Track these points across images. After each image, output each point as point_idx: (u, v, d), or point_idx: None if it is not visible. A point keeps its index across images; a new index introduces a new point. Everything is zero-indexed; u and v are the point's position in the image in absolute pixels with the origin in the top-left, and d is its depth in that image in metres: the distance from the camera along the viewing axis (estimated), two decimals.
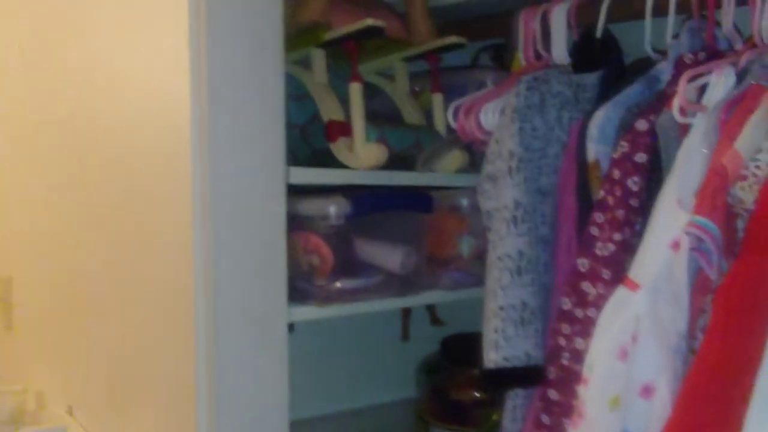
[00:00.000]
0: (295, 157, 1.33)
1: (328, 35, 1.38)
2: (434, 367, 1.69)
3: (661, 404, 1.02)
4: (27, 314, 1.89)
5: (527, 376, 1.19)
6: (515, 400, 1.24)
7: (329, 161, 1.37)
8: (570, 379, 1.12)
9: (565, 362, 1.15)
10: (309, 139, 1.42)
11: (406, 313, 1.75)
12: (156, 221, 1.34)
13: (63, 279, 1.72)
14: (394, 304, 1.44)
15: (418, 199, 1.43)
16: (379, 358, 1.76)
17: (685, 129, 1.08)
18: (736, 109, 1.04)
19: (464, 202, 1.46)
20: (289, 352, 1.32)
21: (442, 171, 1.45)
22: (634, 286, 1.05)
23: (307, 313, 1.34)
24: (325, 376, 1.69)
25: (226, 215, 1.24)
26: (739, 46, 1.18)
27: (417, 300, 1.46)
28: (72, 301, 1.69)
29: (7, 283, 1.87)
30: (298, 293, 1.32)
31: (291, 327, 1.33)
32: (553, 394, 1.16)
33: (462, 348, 1.65)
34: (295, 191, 1.28)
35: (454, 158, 1.44)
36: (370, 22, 1.33)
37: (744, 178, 0.98)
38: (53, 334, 1.78)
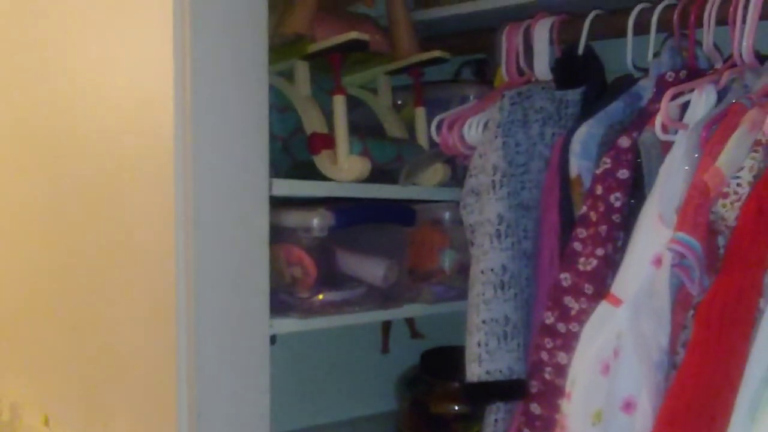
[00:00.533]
0: (277, 169, 1.33)
1: (313, 47, 1.38)
2: (414, 381, 1.69)
3: (643, 419, 1.03)
4: (3, 325, 1.87)
5: (510, 389, 1.19)
6: (497, 414, 1.24)
7: (312, 173, 1.37)
8: (552, 394, 1.13)
9: (547, 376, 1.15)
10: (292, 151, 1.42)
11: (387, 326, 1.75)
12: (138, 230, 1.34)
13: (38, 287, 1.70)
14: (376, 316, 1.45)
15: (401, 213, 1.43)
16: (359, 371, 1.76)
17: (667, 146, 1.10)
18: (718, 127, 1.05)
19: (446, 215, 1.46)
20: (270, 364, 1.32)
21: (425, 184, 1.45)
22: (616, 302, 1.06)
23: (289, 325, 1.34)
24: (306, 388, 1.68)
25: (209, 226, 1.23)
26: (719, 65, 1.20)
27: (399, 313, 1.47)
28: (47, 309, 1.67)
29: None
30: (280, 305, 1.32)
31: (273, 339, 1.32)
32: (535, 408, 1.17)
33: (442, 361, 1.65)
34: (278, 203, 1.28)
35: (437, 172, 1.45)
36: (354, 35, 1.33)
37: (726, 195, 0.99)
38: (27, 344, 1.76)
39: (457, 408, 1.59)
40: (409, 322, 1.75)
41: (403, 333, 1.76)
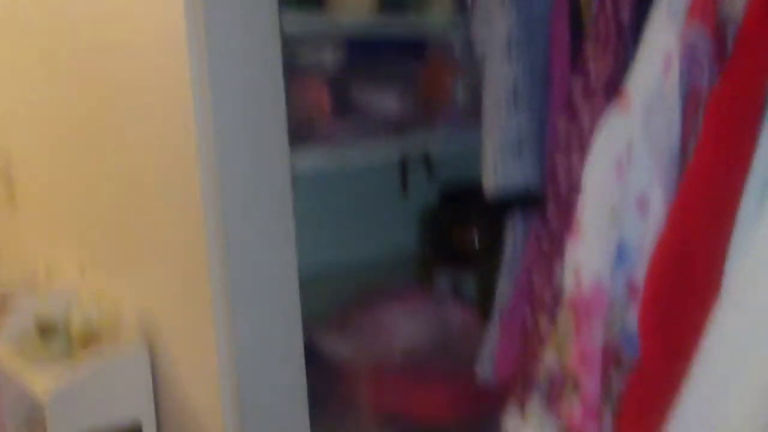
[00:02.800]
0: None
1: None
2: (434, 218, 1.73)
3: (656, 216, 1.05)
4: (29, 188, 1.91)
5: (526, 199, 1.22)
6: (515, 228, 1.28)
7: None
8: (568, 200, 1.15)
9: (562, 183, 1.18)
10: None
11: (404, 168, 1.78)
12: (153, 80, 1.36)
13: (65, 150, 1.73)
14: (393, 149, 1.47)
15: (412, 45, 1.44)
16: (380, 213, 1.80)
17: None
18: None
19: (457, 48, 1.47)
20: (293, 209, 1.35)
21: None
22: (627, 103, 1.07)
23: (309, 159, 1.36)
24: (329, 231, 1.73)
25: (223, 65, 1.25)
26: None
27: (415, 144, 1.49)
28: (76, 170, 1.71)
29: (6, 154, 1.89)
30: (299, 140, 1.34)
31: (294, 179, 1.35)
32: (551, 215, 1.20)
33: (460, 198, 1.69)
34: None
35: None
36: None
37: None
38: (58, 205, 1.81)
39: (477, 238, 1.63)
40: (426, 162, 1.78)
41: (420, 175, 1.80)
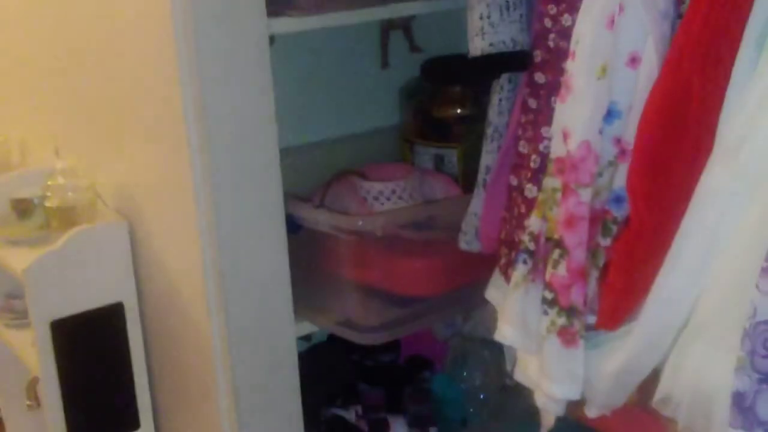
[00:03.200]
0: None
1: None
2: (415, 90, 1.69)
3: (648, 71, 1.03)
4: (1, 68, 1.86)
5: (513, 60, 1.19)
6: (501, 94, 1.25)
7: None
8: (557, 59, 1.12)
9: (551, 43, 1.14)
10: None
11: (385, 39, 1.73)
12: None
13: (38, 27, 1.68)
14: (373, 14, 1.42)
15: None
16: (361, 86, 1.76)
17: None
18: None
19: None
20: (273, 82, 1.31)
21: None
22: None
23: (286, 24, 1.32)
24: (309, 106, 1.69)
25: None
26: None
27: (397, 10, 1.44)
28: (50, 47, 1.66)
29: None
30: (276, 5, 1.30)
31: (272, 39, 1.31)
32: (539, 77, 1.16)
33: (442, 69, 1.64)
34: None
35: None
36: None
37: None
38: (32, 85, 1.76)
39: (459, 110, 1.60)
40: (408, 34, 1.73)
41: (402, 47, 1.75)
